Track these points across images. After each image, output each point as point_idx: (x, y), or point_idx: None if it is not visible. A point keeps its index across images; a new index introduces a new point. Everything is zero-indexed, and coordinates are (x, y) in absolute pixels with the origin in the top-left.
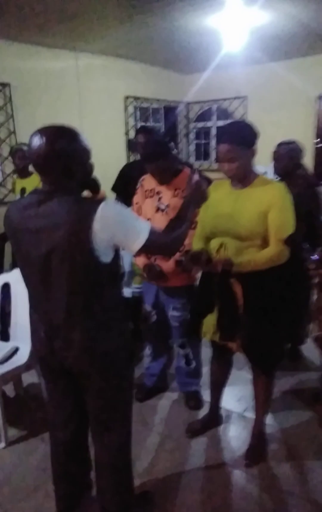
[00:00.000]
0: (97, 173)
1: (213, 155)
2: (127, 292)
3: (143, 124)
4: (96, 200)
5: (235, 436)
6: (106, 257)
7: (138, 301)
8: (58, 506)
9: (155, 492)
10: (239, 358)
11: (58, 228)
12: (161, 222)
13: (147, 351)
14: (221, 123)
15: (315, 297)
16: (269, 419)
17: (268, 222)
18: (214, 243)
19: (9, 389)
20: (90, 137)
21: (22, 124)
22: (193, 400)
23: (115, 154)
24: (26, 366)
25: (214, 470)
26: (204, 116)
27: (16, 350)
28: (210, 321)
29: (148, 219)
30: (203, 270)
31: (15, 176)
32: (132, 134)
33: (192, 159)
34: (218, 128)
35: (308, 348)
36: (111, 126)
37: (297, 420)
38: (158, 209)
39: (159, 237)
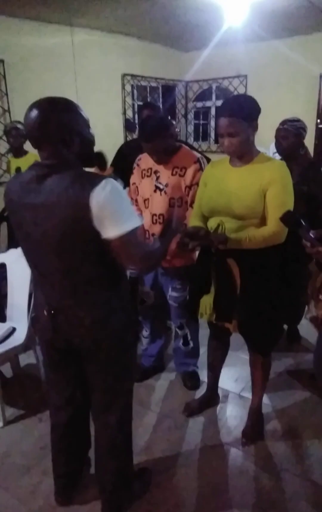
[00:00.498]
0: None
1: (212, 136)
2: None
3: (140, 103)
4: (97, 176)
5: (232, 415)
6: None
7: (136, 282)
8: (57, 484)
9: (153, 470)
10: (236, 338)
11: (57, 205)
12: (160, 201)
13: (144, 332)
14: (220, 103)
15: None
16: (266, 399)
17: (266, 200)
18: (212, 223)
19: (7, 370)
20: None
21: (17, 102)
22: (190, 380)
23: (112, 133)
24: (24, 347)
25: (211, 449)
26: (203, 95)
27: (13, 331)
28: (206, 302)
29: (147, 199)
30: (201, 246)
31: (9, 155)
32: (129, 113)
33: (190, 140)
34: (218, 106)
35: (305, 329)
36: (109, 104)
37: (294, 400)
38: (156, 189)
39: (139, 241)
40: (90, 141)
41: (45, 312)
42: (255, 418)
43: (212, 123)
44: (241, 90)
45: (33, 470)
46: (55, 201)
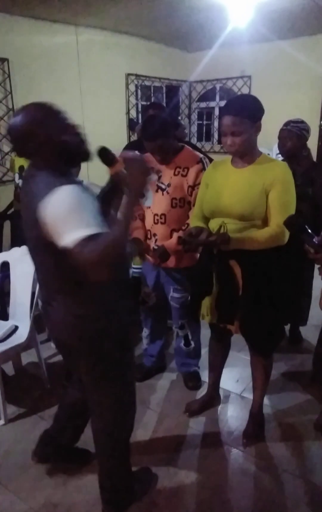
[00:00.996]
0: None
1: (216, 136)
2: None
3: (144, 103)
4: (53, 184)
5: (233, 416)
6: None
7: (138, 282)
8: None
9: (153, 470)
10: (238, 339)
11: (27, 209)
12: (161, 201)
13: (144, 333)
14: (223, 103)
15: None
16: (267, 400)
17: (268, 201)
18: (213, 224)
19: (8, 368)
20: (90, 115)
21: (21, 101)
22: (191, 380)
23: (115, 133)
24: (25, 345)
25: (212, 449)
26: (206, 96)
27: (15, 329)
28: (208, 303)
29: None
30: (203, 246)
31: (13, 154)
32: (133, 113)
33: (193, 140)
34: (222, 106)
35: (308, 331)
36: (112, 104)
37: (295, 401)
38: (158, 188)
39: (94, 248)
40: (66, 145)
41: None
42: (256, 419)
43: (216, 123)
44: (245, 91)
45: (34, 468)
46: (26, 204)
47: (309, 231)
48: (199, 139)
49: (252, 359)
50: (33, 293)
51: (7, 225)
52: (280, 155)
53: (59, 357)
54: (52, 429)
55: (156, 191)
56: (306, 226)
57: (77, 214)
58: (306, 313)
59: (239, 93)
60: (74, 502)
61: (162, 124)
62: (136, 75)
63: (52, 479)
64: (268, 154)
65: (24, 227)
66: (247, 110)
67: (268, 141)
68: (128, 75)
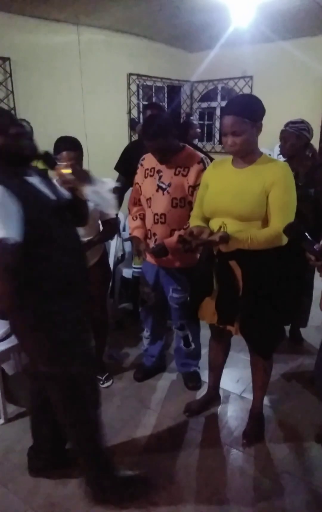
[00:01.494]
0: (98, 153)
1: (217, 136)
2: (127, 273)
3: (145, 103)
4: None
5: (233, 416)
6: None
7: (138, 282)
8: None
9: (153, 470)
10: (238, 339)
11: None
12: (162, 201)
13: (145, 333)
14: (225, 103)
15: None
16: (267, 400)
17: (269, 201)
18: (213, 224)
19: (8, 368)
20: (92, 115)
21: (22, 100)
22: (191, 380)
23: (117, 133)
24: None
25: (211, 450)
26: (208, 96)
27: None
28: (208, 304)
29: (149, 199)
30: (202, 246)
31: None
32: (134, 113)
33: (194, 140)
34: (223, 107)
35: (308, 332)
36: (114, 104)
37: (295, 402)
38: (159, 188)
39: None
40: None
41: None
42: (256, 419)
43: (217, 123)
44: (247, 91)
45: None
46: None
47: (309, 238)
48: (200, 139)
49: (252, 360)
50: None
51: None
52: (281, 156)
53: None
54: (33, 441)
55: (157, 190)
56: (306, 234)
57: None
58: (306, 314)
59: (241, 93)
60: (74, 502)
61: (162, 124)
62: (138, 75)
63: (52, 479)
64: (269, 154)
65: None
66: (248, 110)
67: (269, 141)
68: (130, 74)
